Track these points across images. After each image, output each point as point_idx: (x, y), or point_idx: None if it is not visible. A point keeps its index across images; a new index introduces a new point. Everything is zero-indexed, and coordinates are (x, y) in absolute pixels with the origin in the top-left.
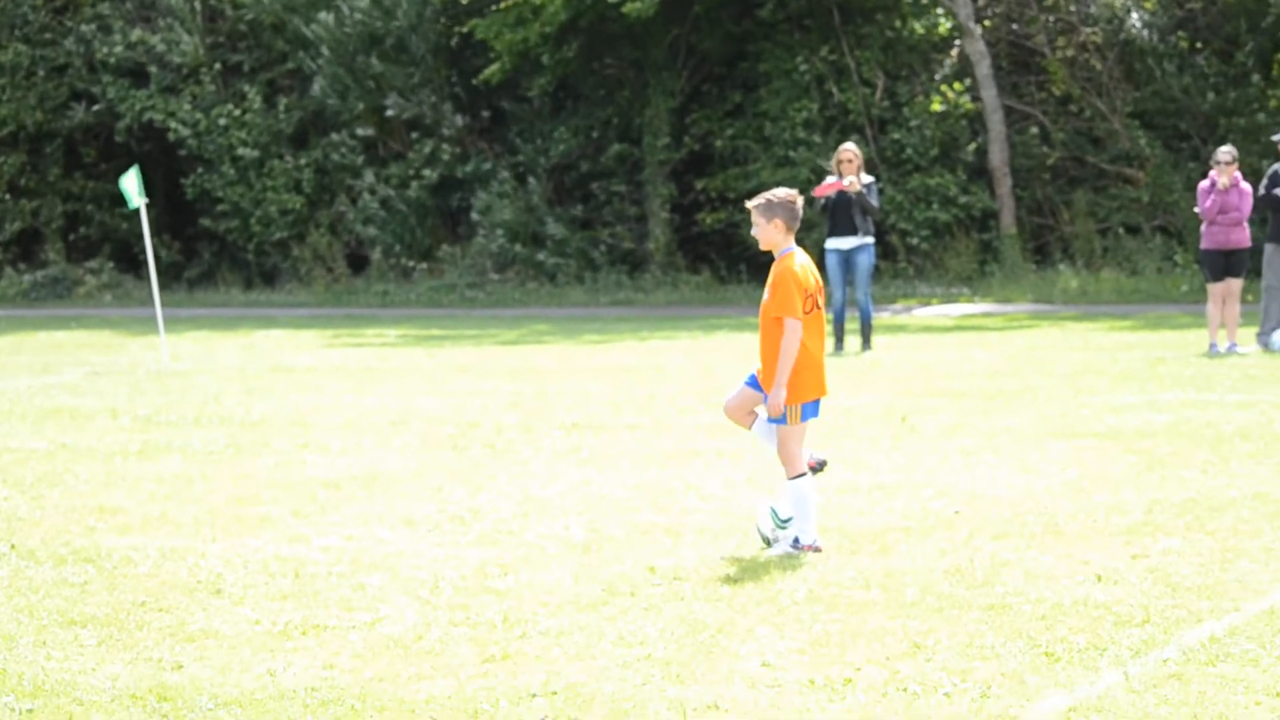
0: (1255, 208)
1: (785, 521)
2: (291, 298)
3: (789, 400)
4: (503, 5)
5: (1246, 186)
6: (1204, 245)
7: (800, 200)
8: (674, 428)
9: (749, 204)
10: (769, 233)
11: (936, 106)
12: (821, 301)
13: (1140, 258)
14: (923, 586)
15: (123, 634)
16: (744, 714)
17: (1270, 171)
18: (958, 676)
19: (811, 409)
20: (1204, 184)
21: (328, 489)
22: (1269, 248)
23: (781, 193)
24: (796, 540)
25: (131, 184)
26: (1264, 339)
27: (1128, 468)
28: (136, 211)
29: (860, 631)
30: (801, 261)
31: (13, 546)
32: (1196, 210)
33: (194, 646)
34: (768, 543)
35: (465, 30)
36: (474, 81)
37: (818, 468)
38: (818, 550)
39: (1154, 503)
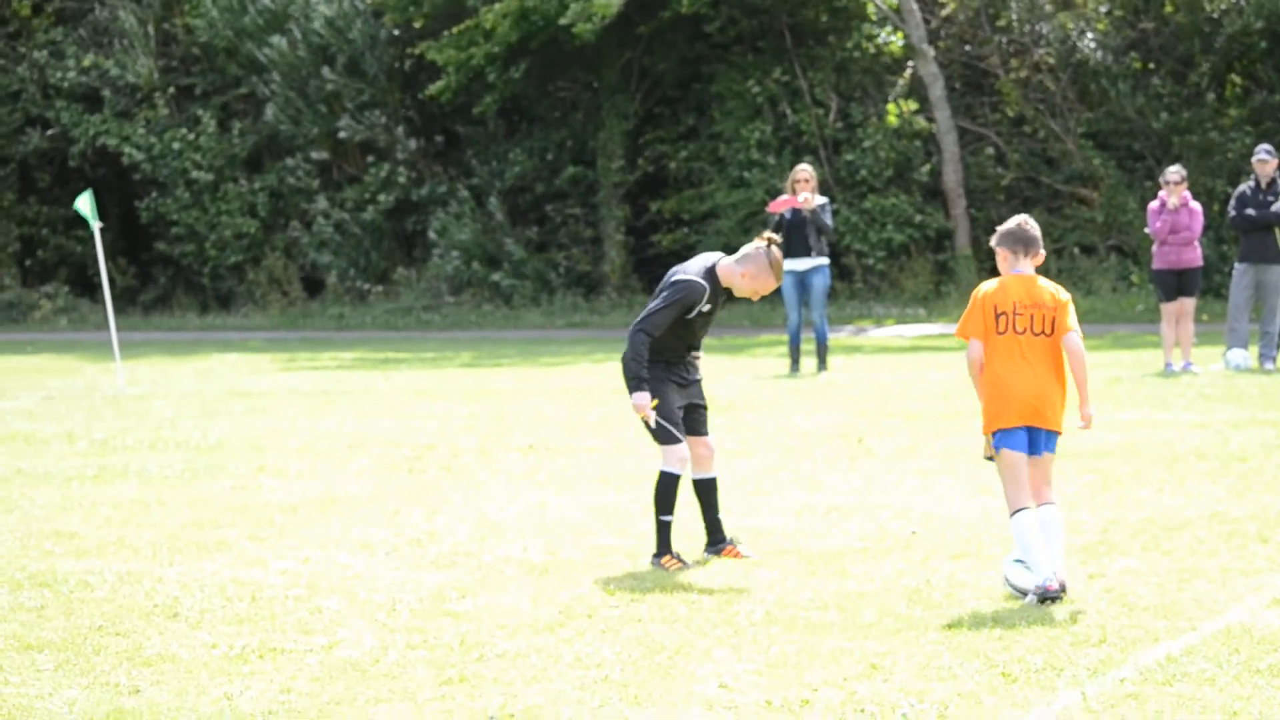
0: (1227, 226)
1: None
2: (247, 321)
3: (984, 429)
4: (455, 30)
5: (1197, 206)
6: (1156, 265)
7: (1030, 225)
8: (631, 450)
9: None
10: (999, 260)
11: (892, 120)
12: (1053, 327)
13: (1095, 278)
14: (880, 607)
15: (80, 658)
16: None
17: (1238, 192)
18: (915, 697)
19: (1005, 438)
20: (1154, 205)
21: (284, 513)
22: (1239, 267)
23: (1013, 220)
24: (1036, 584)
25: (85, 206)
26: (1229, 357)
27: (1083, 487)
28: (91, 236)
29: (817, 652)
30: (1006, 282)
31: None
32: (1147, 231)
33: (151, 671)
34: (1020, 593)
35: (417, 53)
36: (421, 97)
37: (1044, 596)
38: (1056, 589)
39: (1110, 523)
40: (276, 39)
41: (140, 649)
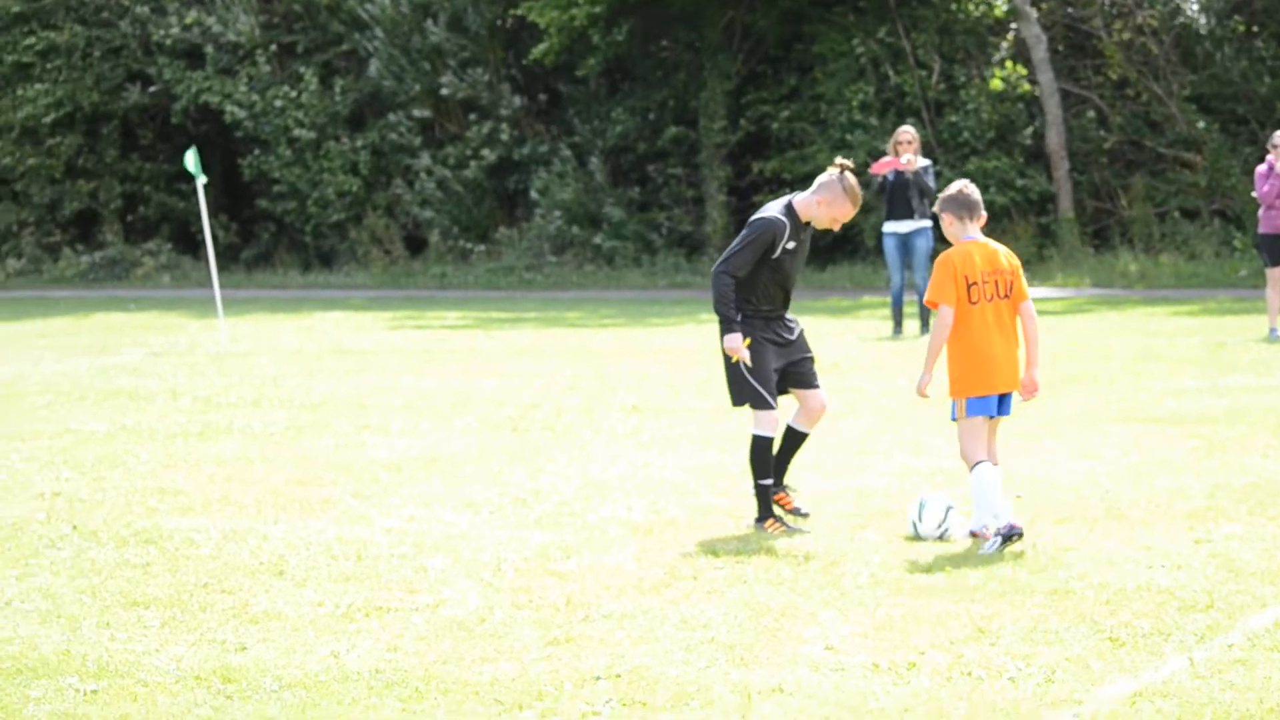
0: None
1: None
2: (349, 279)
3: (953, 393)
4: None
5: None
6: (1261, 229)
7: (972, 189)
8: (733, 410)
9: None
10: (944, 225)
11: (997, 85)
12: (1010, 290)
13: (1198, 242)
14: (986, 571)
15: (186, 615)
16: (808, 697)
17: None
18: (1022, 661)
19: (980, 405)
20: (1261, 168)
21: (389, 471)
22: None
23: (952, 185)
24: (998, 530)
25: (191, 162)
26: None
27: (1189, 452)
28: (194, 193)
29: (924, 616)
30: (969, 250)
31: (75, 528)
32: (1254, 194)
33: (257, 628)
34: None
35: (518, 14)
36: (525, 61)
37: (1008, 535)
38: (1018, 533)
39: (1216, 487)
40: None
41: (246, 606)
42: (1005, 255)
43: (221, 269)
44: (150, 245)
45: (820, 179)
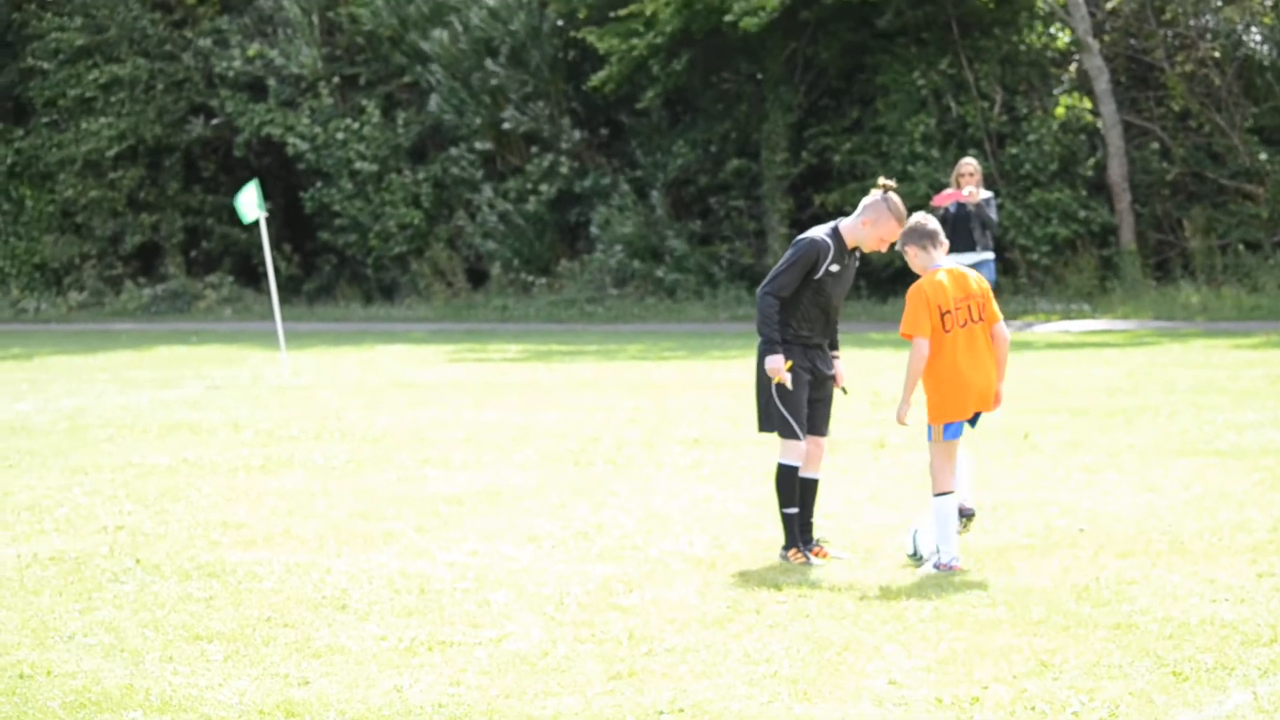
0: None
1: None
2: (411, 312)
3: (932, 419)
4: (620, 13)
5: None
6: None
7: (928, 219)
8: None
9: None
10: (909, 259)
11: (1061, 113)
12: (983, 313)
13: (1261, 274)
14: (1049, 605)
15: (249, 649)
16: None
17: None
18: (1085, 695)
19: (955, 429)
20: None
21: (450, 505)
22: None
23: (911, 219)
24: (938, 560)
25: (250, 198)
26: None
27: (1252, 486)
28: (256, 225)
29: (987, 649)
30: (940, 279)
31: (138, 561)
32: None
33: (320, 662)
34: (916, 559)
35: (579, 39)
36: (584, 88)
37: (966, 516)
38: (956, 568)
39: (1279, 521)
40: (438, 32)
41: (309, 640)
42: (975, 279)
43: (283, 301)
44: (212, 278)
45: (864, 201)
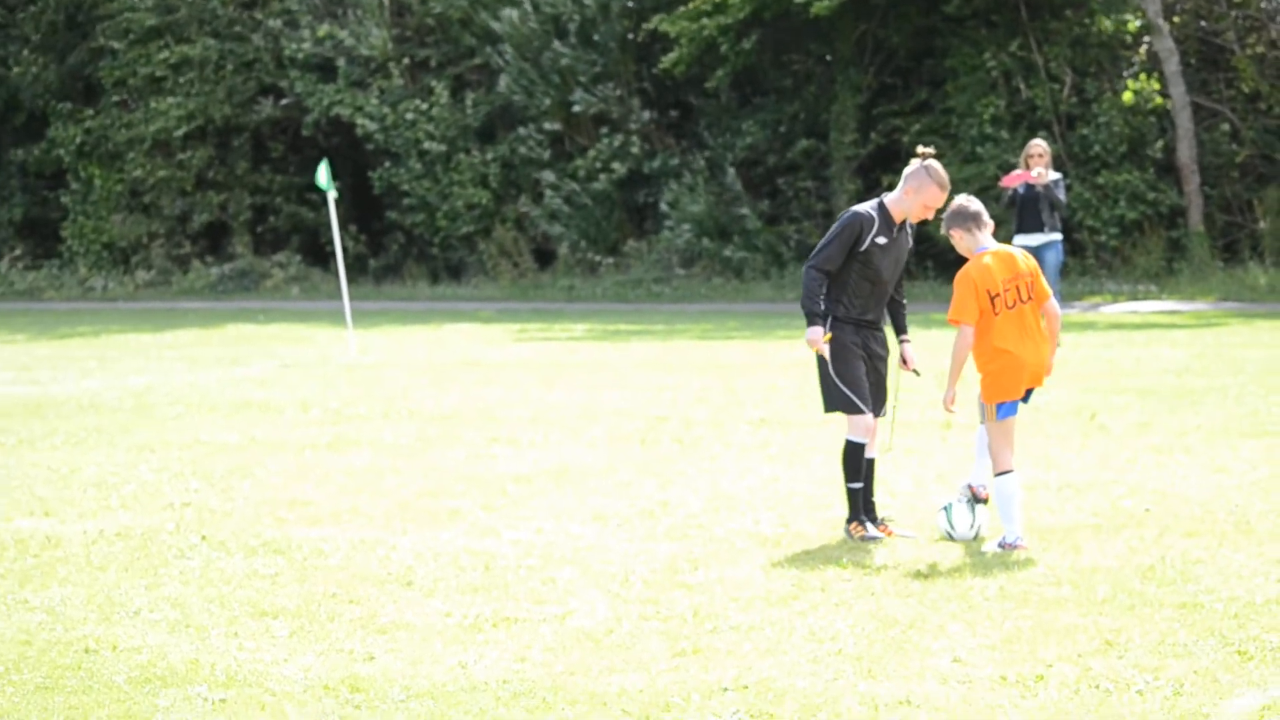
0: None
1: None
2: (478, 291)
3: (986, 399)
4: (690, 4)
5: None
6: None
7: (971, 200)
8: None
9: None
10: (955, 243)
11: (1129, 98)
12: (1032, 292)
13: None
14: (1114, 584)
15: (314, 625)
16: (935, 710)
17: None
18: (1150, 674)
19: (1009, 408)
20: None
21: (517, 483)
22: None
23: (953, 202)
24: (1003, 540)
25: (323, 177)
26: None
27: None
28: (324, 204)
29: (1052, 628)
30: (986, 262)
31: (204, 538)
32: None
33: (385, 638)
34: (949, 537)
35: (651, 27)
36: (655, 70)
37: (1008, 548)
38: (1020, 548)
39: None
40: (508, 11)
41: (374, 616)
42: (1022, 257)
43: (350, 281)
44: (280, 257)
45: (905, 171)
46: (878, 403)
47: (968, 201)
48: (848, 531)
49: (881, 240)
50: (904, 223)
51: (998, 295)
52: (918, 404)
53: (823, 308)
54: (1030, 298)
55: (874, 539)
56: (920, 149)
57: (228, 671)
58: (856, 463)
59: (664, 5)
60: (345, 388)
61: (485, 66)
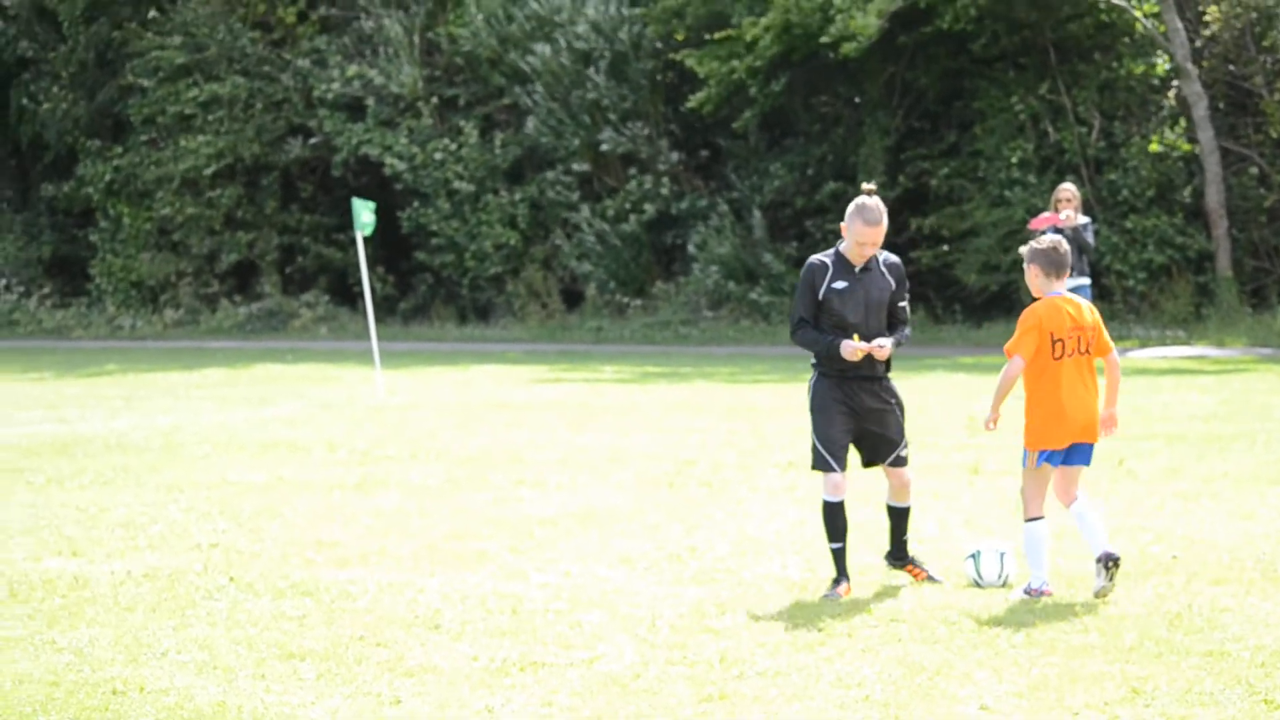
0: None
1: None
2: (506, 333)
3: (1028, 444)
4: (716, 37)
5: None
6: None
7: (1064, 246)
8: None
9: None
10: (1029, 276)
11: (1155, 148)
12: (1091, 345)
13: None
14: (1141, 631)
15: (341, 668)
16: None
17: None
18: None
19: (1050, 456)
20: None
21: (545, 526)
22: None
23: (1045, 240)
24: (1029, 586)
25: (367, 217)
26: None
27: None
28: (353, 244)
29: (1079, 675)
30: (1059, 305)
31: (231, 579)
32: None
33: (413, 681)
34: (976, 584)
35: (678, 61)
36: (682, 109)
37: (1034, 595)
38: (1047, 594)
39: None
40: (541, 46)
41: (402, 659)
42: (1088, 309)
43: (378, 321)
44: (308, 297)
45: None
46: (883, 451)
47: (1060, 245)
48: (831, 594)
49: (839, 285)
50: (870, 262)
51: (1060, 340)
52: (943, 448)
53: (828, 338)
54: (1087, 351)
55: (832, 597)
56: (865, 185)
57: (255, 714)
58: (831, 522)
59: (691, 44)
60: (373, 428)
61: (514, 106)
